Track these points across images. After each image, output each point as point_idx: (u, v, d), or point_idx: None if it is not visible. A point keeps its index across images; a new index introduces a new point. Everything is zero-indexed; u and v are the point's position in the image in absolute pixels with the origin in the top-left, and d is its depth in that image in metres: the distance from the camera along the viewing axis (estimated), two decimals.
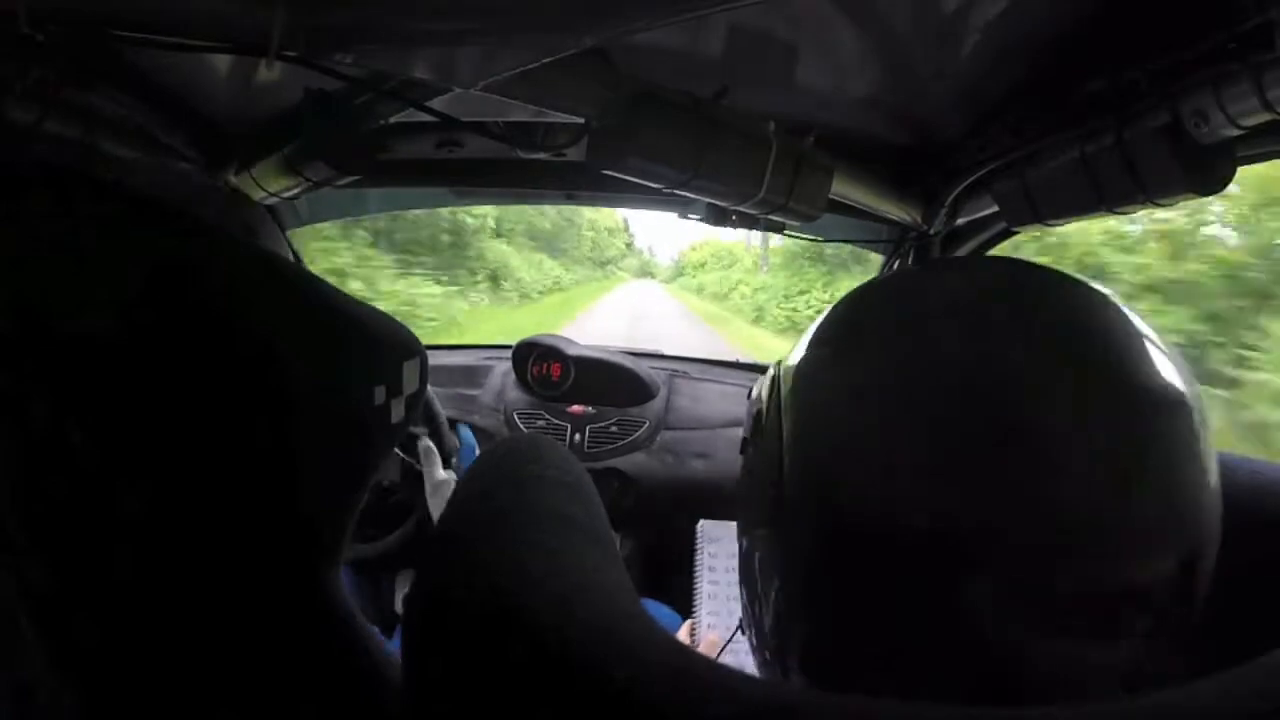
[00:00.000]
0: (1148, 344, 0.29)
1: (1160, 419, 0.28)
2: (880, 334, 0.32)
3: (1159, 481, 0.27)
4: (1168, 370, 0.29)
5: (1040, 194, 0.75)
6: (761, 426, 0.36)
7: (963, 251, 1.09)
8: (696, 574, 0.81)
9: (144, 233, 0.31)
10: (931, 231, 1.02)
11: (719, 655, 0.69)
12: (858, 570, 0.29)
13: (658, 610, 1.13)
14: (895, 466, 0.28)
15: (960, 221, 0.99)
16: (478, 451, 1.01)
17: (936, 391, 0.28)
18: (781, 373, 0.36)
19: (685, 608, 0.91)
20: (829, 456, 0.31)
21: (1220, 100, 0.52)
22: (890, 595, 0.28)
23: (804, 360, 0.34)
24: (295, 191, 0.83)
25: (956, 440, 0.27)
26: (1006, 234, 1.04)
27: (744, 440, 0.40)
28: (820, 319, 0.36)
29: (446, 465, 1.00)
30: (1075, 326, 0.30)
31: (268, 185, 0.83)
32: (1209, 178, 0.59)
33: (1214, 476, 0.29)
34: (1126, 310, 0.31)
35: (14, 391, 0.28)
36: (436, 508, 0.95)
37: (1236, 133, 0.54)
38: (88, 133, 0.72)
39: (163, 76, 0.77)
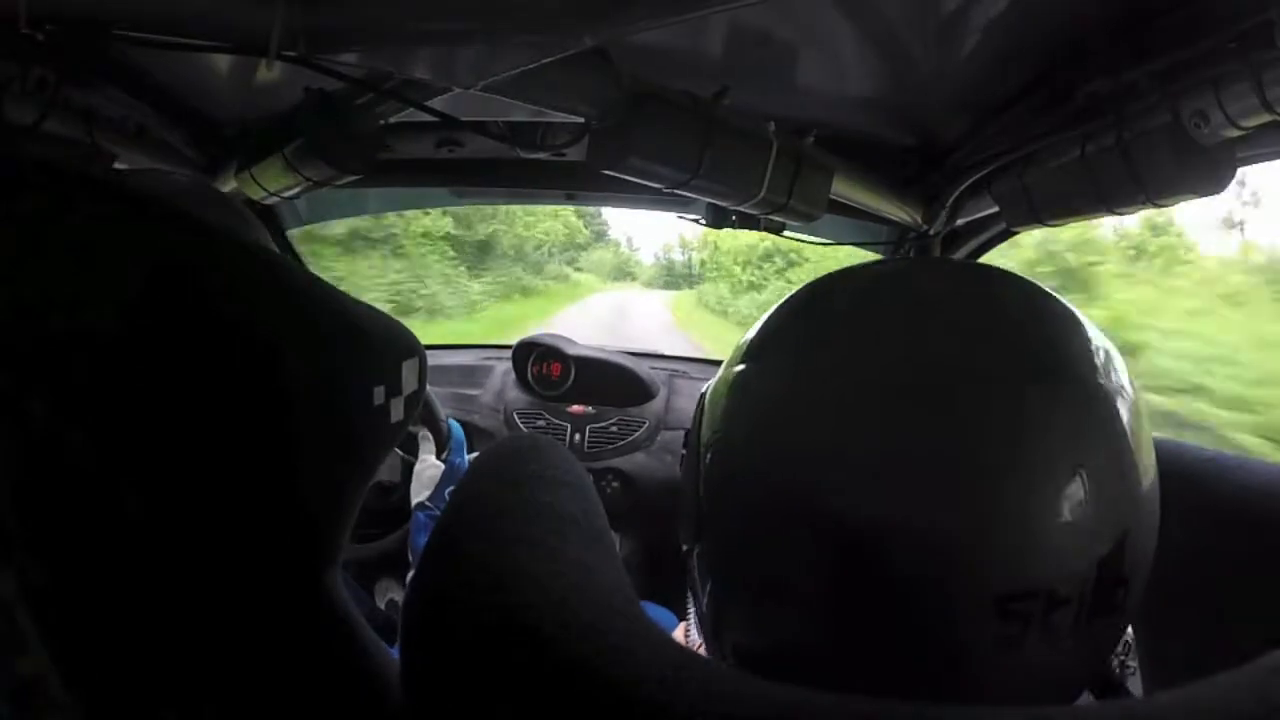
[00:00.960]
0: (1086, 341, 0.29)
1: (1094, 414, 0.27)
2: (775, 343, 0.33)
3: (1091, 472, 0.26)
4: (1104, 367, 0.28)
5: (1040, 194, 0.75)
6: (688, 440, 0.38)
7: (963, 251, 1.09)
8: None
9: (144, 232, 0.31)
10: (931, 232, 1.02)
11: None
12: (764, 584, 0.30)
13: (656, 612, 1.13)
14: (790, 481, 0.28)
15: (960, 221, 0.99)
16: (465, 443, 1.01)
17: (844, 389, 0.28)
18: (707, 393, 0.37)
19: (682, 607, 0.91)
20: (730, 470, 0.32)
21: (1220, 100, 0.52)
22: (806, 594, 0.28)
23: (720, 378, 0.36)
24: (295, 191, 0.83)
25: (870, 435, 0.27)
26: (1006, 234, 1.04)
27: (682, 458, 0.41)
28: (752, 327, 0.37)
29: (439, 455, 1.00)
30: (999, 319, 0.29)
31: (268, 185, 0.83)
32: (1209, 178, 0.59)
33: (1150, 470, 0.28)
34: (1063, 302, 0.31)
35: (14, 391, 0.28)
36: (417, 492, 0.96)
37: (1236, 133, 0.54)
38: (88, 133, 0.72)
39: (163, 76, 0.77)
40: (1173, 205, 0.64)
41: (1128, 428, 0.27)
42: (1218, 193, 0.60)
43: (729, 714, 0.19)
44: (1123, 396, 0.28)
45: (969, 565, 0.25)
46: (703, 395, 0.37)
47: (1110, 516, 0.26)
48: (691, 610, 0.80)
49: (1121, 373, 0.29)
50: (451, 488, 0.94)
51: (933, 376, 0.27)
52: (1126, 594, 0.27)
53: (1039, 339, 0.28)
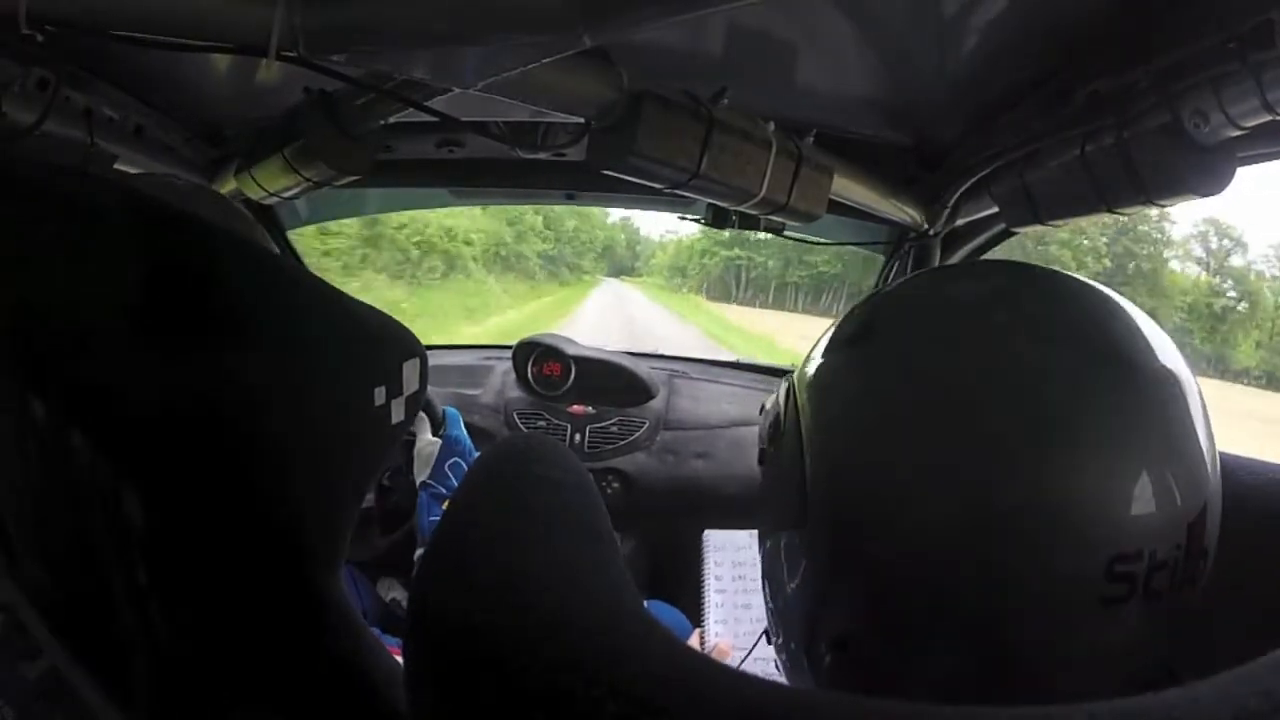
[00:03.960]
0: (1145, 331, 0.32)
1: (1164, 400, 0.30)
2: (893, 338, 0.34)
3: (1166, 457, 0.29)
4: (1171, 360, 0.31)
5: (1040, 194, 0.75)
6: (780, 432, 0.38)
7: (963, 251, 1.09)
8: (704, 583, 0.81)
9: (144, 233, 0.31)
10: (932, 232, 1.02)
11: (740, 664, 0.69)
12: (881, 565, 0.31)
13: (660, 610, 1.13)
14: (924, 465, 0.30)
15: (960, 222, 0.99)
16: (461, 421, 1.00)
17: (960, 389, 0.30)
18: (796, 381, 0.37)
19: (689, 611, 0.91)
20: (851, 457, 0.33)
21: (1220, 100, 0.52)
22: (915, 588, 0.30)
23: (820, 367, 0.36)
24: (295, 191, 0.83)
25: (978, 436, 0.29)
26: (1006, 234, 1.04)
27: (761, 451, 0.42)
28: (831, 327, 0.38)
29: (435, 432, 1.00)
30: (1084, 321, 0.32)
31: (268, 185, 0.83)
32: (1209, 178, 0.59)
33: (1212, 450, 0.31)
34: (1121, 300, 0.33)
35: (15, 392, 0.28)
36: (419, 471, 0.96)
37: (1236, 133, 0.54)
38: (88, 133, 0.72)
39: (163, 76, 0.77)
40: (1173, 205, 0.64)
41: (1200, 411, 0.31)
42: (1218, 193, 0.60)
43: (735, 713, 0.19)
44: (1189, 385, 0.31)
45: (1084, 531, 0.28)
46: (794, 376, 0.38)
47: (1194, 487, 0.29)
48: (707, 610, 0.80)
49: (1185, 366, 0.32)
50: (452, 461, 0.93)
51: (1051, 376, 0.30)
52: (1206, 565, 0.30)
53: (1125, 341, 0.31)
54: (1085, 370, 0.30)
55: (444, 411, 1.00)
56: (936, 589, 0.30)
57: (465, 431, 0.96)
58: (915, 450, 0.30)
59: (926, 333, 0.33)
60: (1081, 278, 0.35)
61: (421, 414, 1.02)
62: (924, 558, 0.30)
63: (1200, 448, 0.30)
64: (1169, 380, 0.30)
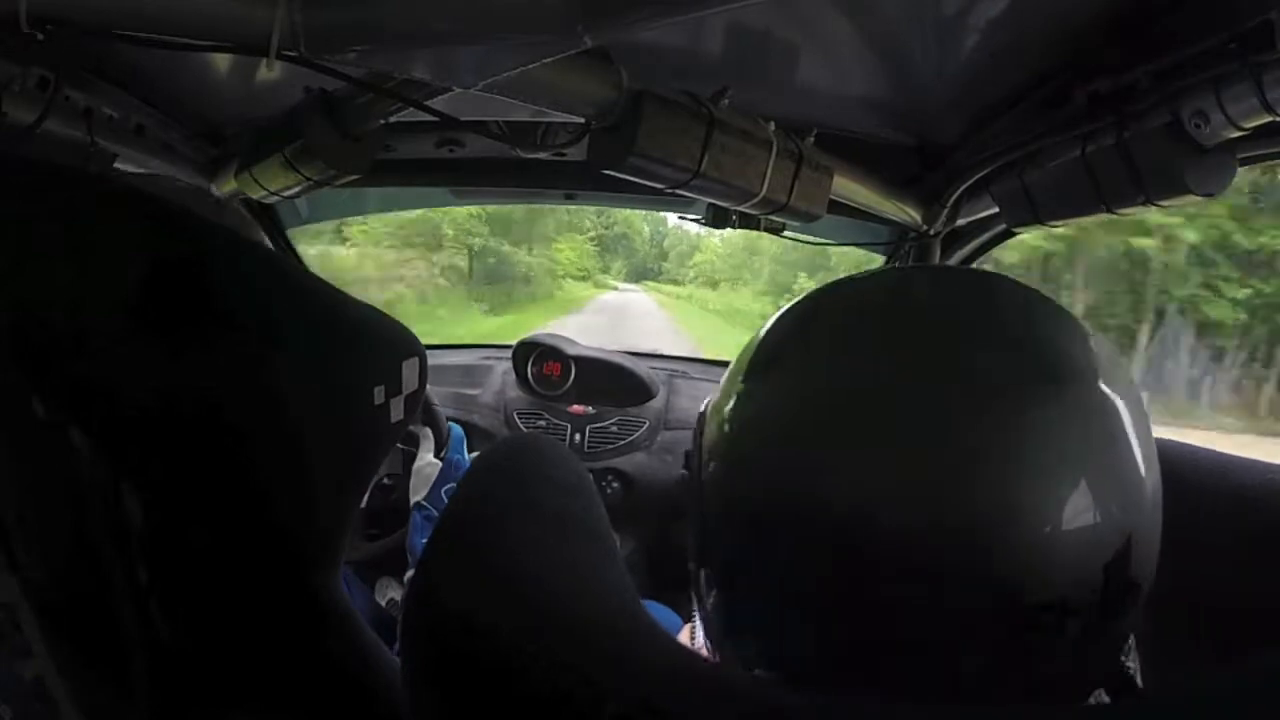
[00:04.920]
0: (1086, 346, 0.29)
1: (1097, 419, 0.27)
2: (798, 346, 0.33)
3: (1095, 478, 0.26)
4: (1105, 372, 0.28)
5: (1040, 194, 0.75)
6: (689, 462, 0.37)
7: (963, 251, 1.09)
8: None
9: (144, 231, 0.31)
10: (931, 232, 1.02)
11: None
12: (777, 582, 0.29)
13: (658, 611, 1.13)
14: (810, 469, 0.28)
15: (961, 222, 0.99)
16: (465, 443, 1.01)
17: (850, 395, 0.28)
18: (708, 411, 0.36)
19: (684, 607, 0.91)
20: (745, 468, 0.31)
21: (1220, 100, 0.52)
22: (816, 606, 0.28)
23: (719, 397, 0.35)
24: (295, 191, 0.83)
25: (872, 438, 0.27)
26: (1007, 234, 1.04)
27: (682, 473, 0.40)
28: (751, 340, 0.36)
29: (438, 454, 1.00)
30: (994, 327, 0.29)
31: (268, 185, 0.83)
32: (1209, 178, 0.59)
33: (1152, 473, 0.28)
34: (1059, 306, 0.31)
35: (15, 390, 0.28)
36: (415, 490, 0.96)
37: (1236, 133, 0.54)
38: (88, 133, 0.72)
39: (163, 76, 0.77)
40: (1173, 205, 0.64)
41: (1130, 430, 0.27)
42: (1218, 192, 0.60)
43: (730, 713, 0.19)
44: (1124, 399, 0.28)
45: (978, 575, 0.25)
46: (702, 412, 0.37)
47: (1115, 521, 0.26)
48: (697, 615, 0.80)
49: (1123, 374, 0.29)
50: (449, 486, 0.94)
51: (936, 384, 0.27)
52: (1135, 596, 0.28)
53: (1038, 344, 0.28)
54: (995, 387, 0.26)
55: (449, 430, 1.00)
56: (825, 624, 0.28)
57: (466, 456, 0.96)
58: (798, 477, 0.28)
59: (813, 344, 0.32)
60: (1006, 275, 0.32)
61: (427, 431, 1.02)
62: (806, 598, 0.28)
63: (1130, 472, 0.27)
64: (1099, 397, 0.27)
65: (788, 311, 0.35)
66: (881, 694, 0.27)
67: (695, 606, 0.40)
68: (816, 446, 0.28)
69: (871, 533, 0.26)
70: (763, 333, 0.35)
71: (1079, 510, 0.26)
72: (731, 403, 0.33)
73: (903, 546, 0.26)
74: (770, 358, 0.33)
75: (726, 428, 0.33)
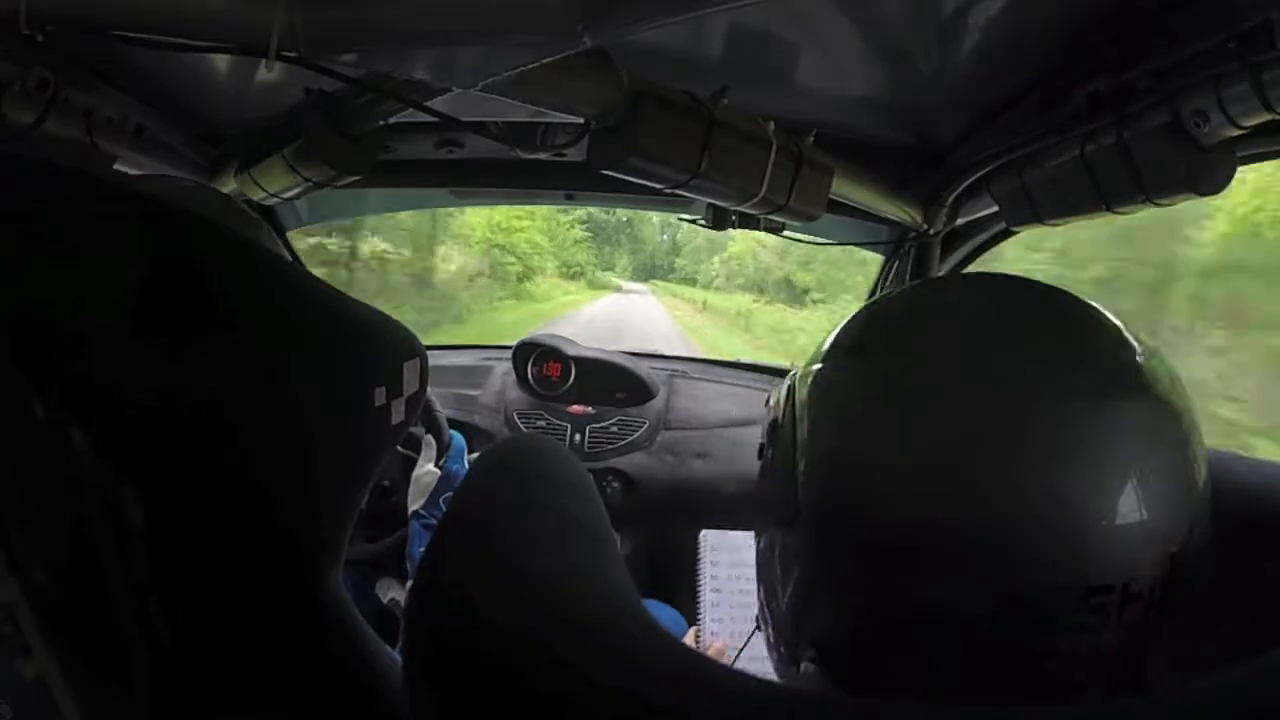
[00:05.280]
0: (1138, 352, 0.31)
1: (1159, 419, 0.30)
2: (892, 344, 0.35)
3: (1151, 484, 0.28)
4: (1160, 377, 0.31)
5: (1040, 194, 0.75)
6: (778, 432, 0.38)
7: (963, 251, 1.09)
8: (700, 583, 0.81)
9: (145, 231, 0.31)
10: (932, 232, 1.02)
11: (733, 663, 0.69)
12: (870, 567, 0.31)
13: (659, 610, 1.13)
14: (908, 469, 0.30)
15: (960, 221, 0.99)
16: (466, 453, 1.01)
17: (949, 398, 0.30)
18: (797, 380, 0.38)
19: (686, 610, 0.91)
20: (842, 458, 0.33)
21: (1220, 100, 0.52)
22: (902, 591, 0.30)
23: (819, 369, 0.36)
24: (295, 191, 0.83)
25: (968, 443, 0.29)
26: (1006, 234, 1.04)
27: (761, 446, 0.42)
28: (835, 330, 0.38)
29: (438, 462, 1.00)
30: (1078, 339, 0.32)
31: (268, 185, 0.83)
32: (1209, 178, 0.59)
33: (1203, 475, 0.31)
34: (1116, 320, 0.33)
35: (16, 391, 0.28)
36: (413, 499, 0.96)
37: (1236, 133, 0.54)
38: (87, 133, 0.72)
39: (163, 76, 0.77)
40: (1173, 205, 0.64)
41: (1187, 434, 0.30)
42: (1217, 192, 0.60)
43: (733, 714, 0.19)
44: (1181, 406, 0.31)
45: (1058, 558, 0.28)
46: (791, 382, 0.38)
47: (1179, 513, 0.29)
48: (703, 609, 0.80)
49: (1178, 384, 0.32)
50: (448, 495, 0.94)
51: (1036, 395, 0.30)
52: (1190, 594, 0.30)
53: (1111, 358, 0.32)
54: (1071, 391, 0.29)
55: (451, 438, 0.99)
56: (913, 599, 0.30)
57: (466, 466, 0.96)
58: (897, 462, 0.30)
59: (915, 347, 0.34)
60: (1076, 294, 0.35)
61: (430, 439, 1.01)
62: (902, 567, 0.30)
63: (1191, 469, 0.30)
64: (1163, 405, 0.30)
65: (901, 295, 0.39)
66: (958, 672, 0.30)
67: (760, 589, 0.41)
68: (929, 441, 0.30)
69: (967, 526, 0.28)
70: (871, 314, 0.38)
71: (1149, 502, 0.28)
72: (836, 377, 0.35)
73: (984, 532, 0.28)
74: (878, 344, 0.36)
75: (833, 403, 0.35)
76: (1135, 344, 0.32)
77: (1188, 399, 0.31)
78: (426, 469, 0.98)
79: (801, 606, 0.35)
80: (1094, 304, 0.34)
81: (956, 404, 0.30)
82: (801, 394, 0.36)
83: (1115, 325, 0.33)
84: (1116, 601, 0.27)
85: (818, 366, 0.37)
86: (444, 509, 0.89)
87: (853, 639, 0.33)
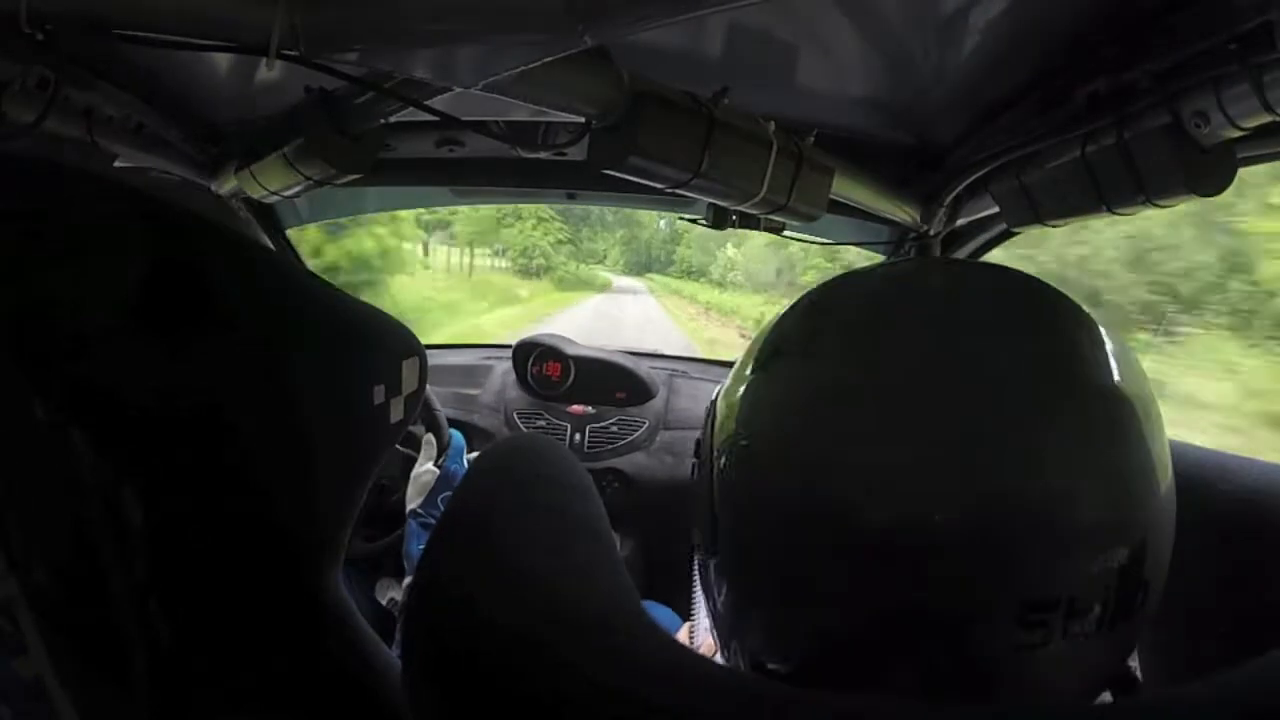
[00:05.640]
0: (1101, 343, 0.29)
1: (1113, 418, 0.27)
2: (794, 344, 0.33)
3: (1111, 477, 0.27)
4: (1121, 370, 0.28)
5: (1040, 194, 0.75)
6: (699, 448, 0.37)
7: (963, 252, 1.09)
8: (695, 578, 0.81)
9: (145, 231, 0.31)
10: (931, 232, 1.02)
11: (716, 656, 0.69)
12: (784, 573, 0.30)
13: (657, 611, 1.13)
14: (810, 493, 0.28)
15: (960, 222, 0.99)
16: (465, 453, 1.00)
17: (877, 392, 0.28)
18: (718, 398, 0.36)
19: (683, 607, 0.91)
20: (747, 463, 0.31)
21: (1220, 100, 0.52)
22: (827, 600, 0.28)
23: (730, 383, 0.35)
24: (295, 191, 0.83)
25: (874, 458, 0.27)
26: (1006, 234, 1.04)
27: (693, 466, 0.40)
28: (760, 334, 0.36)
29: (437, 461, 1.00)
30: (1025, 322, 0.29)
31: (268, 185, 0.83)
32: (1209, 178, 0.59)
33: (1166, 473, 0.28)
34: (1074, 302, 0.31)
35: (14, 391, 0.28)
36: (411, 498, 0.96)
37: (1236, 133, 0.54)
38: (87, 132, 0.72)
39: (163, 76, 0.77)
40: (1172, 205, 0.64)
41: (1145, 433, 0.28)
42: (1218, 193, 0.60)
43: (729, 713, 0.19)
44: (1140, 401, 0.28)
45: (990, 573, 0.25)
46: (713, 402, 0.37)
47: (1130, 523, 0.27)
48: (698, 607, 0.80)
49: (1138, 376, 0.29)
50: (446, 494, 0.93)
51: (950, 381, 0.27)
52: (1145, 597, 0.28)
53: (1054, 343, 0.28)
54: (1011, 386, 0.27)
55: (450, 437, 0.99)
56: (838, 619, 0.28)
57: (465, 465, 0.96)
58: (812, 471, 0.28)
59: (826, 337, 0.31)
60: (1026, 273, 0.31)
61: (430, 438, 1.01)
62: (822, 590, 0.28)
63: (1146, 475, 0.27)
64: (1116, 400, 0.27)
65: (798, 303, 0.35)
66: (889, 690, 0.28)
67: (703, 599, 0.40)
68: (826, 439, 0.28)
69: (878, 526, 0.26)
70: (773, 323, 0.35)
71: (1093, 512, 0.26)
72: (741, 392, 0.33)
73: (911, 540, 0.26)
74: (778, 349, 0.33)
75: (737, 419, 0.32)
76: (1083, 327, 0.29)
77: (1151, 397, 0.29)
78: (425, 468, 0.98)
79: (733, 626, 0.34)
80: (1040, 280, 0.31)
81: (874, 398, 0.28)
82: (720, 404, 0.35)
83: (1060, 307, 0.30)
84: (1061, 616, 0.25)
85: (729, 383, 0.35)
86: (442, 508, 0.89)
87: (779, 659, 0.32)
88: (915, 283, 0.33)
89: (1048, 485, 0.26)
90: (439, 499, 0.94)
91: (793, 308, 0.35)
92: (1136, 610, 0.27)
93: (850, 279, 0.35)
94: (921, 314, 0.30)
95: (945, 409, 0.27)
